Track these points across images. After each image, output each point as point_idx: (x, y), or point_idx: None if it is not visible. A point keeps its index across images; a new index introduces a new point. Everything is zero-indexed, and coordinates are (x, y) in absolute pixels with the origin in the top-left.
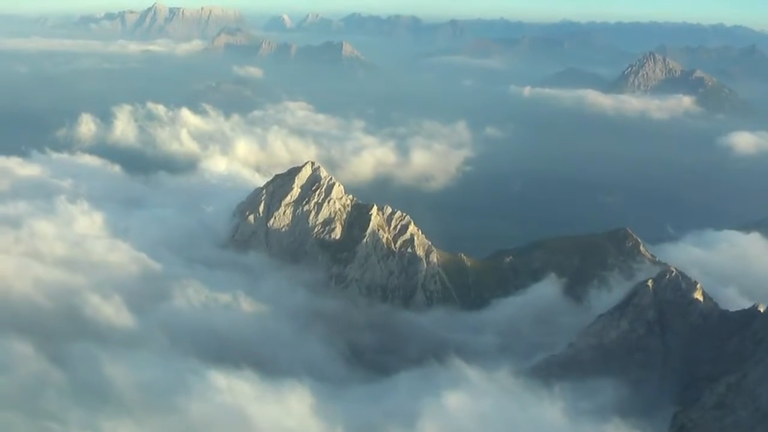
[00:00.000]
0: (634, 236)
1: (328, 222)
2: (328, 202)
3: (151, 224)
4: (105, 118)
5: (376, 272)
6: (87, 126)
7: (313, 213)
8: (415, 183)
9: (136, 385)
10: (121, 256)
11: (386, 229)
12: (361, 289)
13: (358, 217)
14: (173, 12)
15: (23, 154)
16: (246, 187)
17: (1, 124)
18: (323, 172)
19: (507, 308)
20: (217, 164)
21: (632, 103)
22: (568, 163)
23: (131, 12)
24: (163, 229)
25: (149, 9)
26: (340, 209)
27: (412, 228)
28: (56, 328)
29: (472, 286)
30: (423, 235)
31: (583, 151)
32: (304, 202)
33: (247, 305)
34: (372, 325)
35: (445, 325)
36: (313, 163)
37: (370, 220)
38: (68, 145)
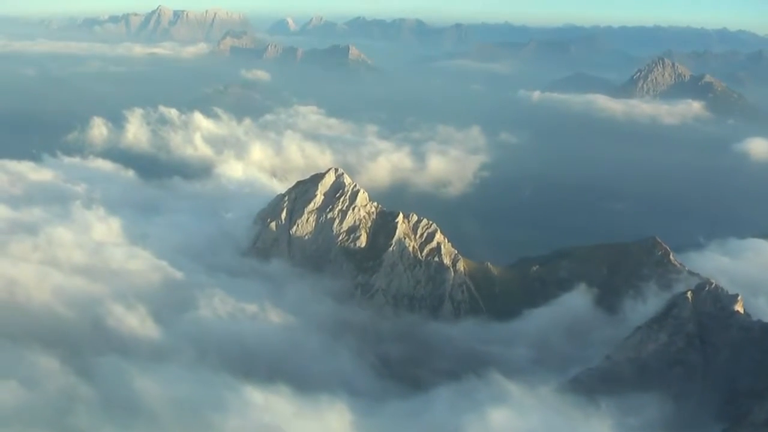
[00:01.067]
0: (664, 245)
1: (353, 230)
2: (353, 209)
3: (170, 231)
4: (116, 121)
5: (402, 281)
6: (99, 130)
7: (337, 220)
8: (433, 189)
9: (169, 401)
10: (142, 264)
11: (412, 237)
12: (387, 298)
13: (383, 224)
14: (177, 15)
15: (35, 158)
16: (264, 193)
17: (11, 128)
18: (347, 179)
19: (538, 319)
20: (233, 169)
21: (642, 108)
22: (582, 169)
23: (135, 15)
24: (181, 235)
25: (153, 12)
26: (364, 217)
27: (438, 236)
28: (80, 340)
29: (499, 296)
30: (449, 244)
31: (598, 157)
32: (328, 210)
33: (274, 315)
34: (401, 336)
35: (475, 336)
36: (336, 170)
37: (396, 228)
38: (80, 149)
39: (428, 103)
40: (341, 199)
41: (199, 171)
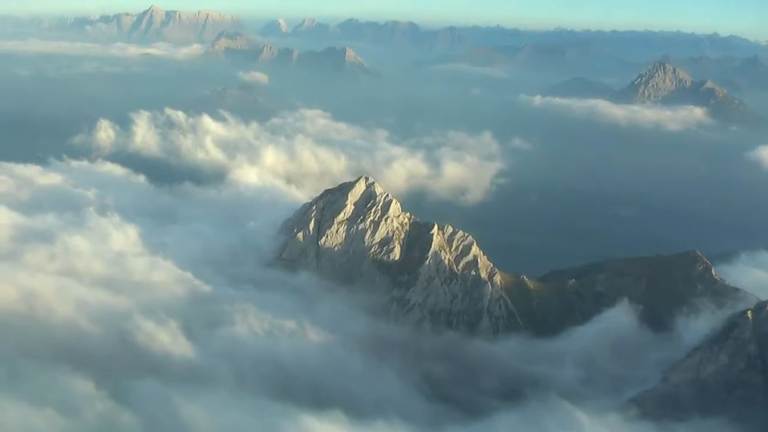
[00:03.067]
0: (705, 259)
1: (386, 242)
2: (386, 220)
3: (189, 240)
4: (122, 124)
5: (439, 296)
6: (106, 132)
7: (369, 232)
8: (451, 196)
9: (219, 430)
10: (165, 276)
11: (448, 249)
12: (424, 313)
13: (417, 236)
14: (170, 15)
15: (41, 161)
16: (285, 200)
17: (12, 130)
18: (378, 188)
19: (582, 337)
20: (248, 175)
21: (645, 113)
22: (596, 177)
23: (127, 15)
24: (201, 245)
25: (145, 12)
26: (397, 228)
27: (474, 249)
28: (111, 359)
29: (536, 311)
30: (485, 256)
31: (608, 164)
32: (359, 220)
33: (311, 332)
34: (442, 354)
35: (518, 354)
36: (366, 179)
37: (431, 240)
38: (87, 153)
39: (432, 108)
40: (373, 210)
41: (212, 176)
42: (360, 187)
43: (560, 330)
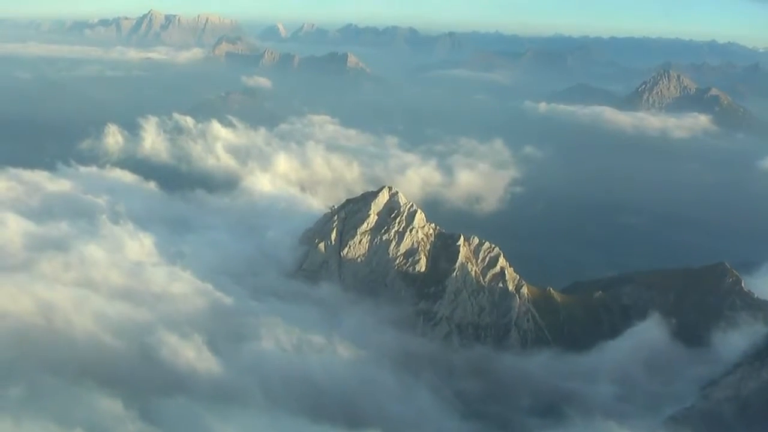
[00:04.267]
0: (734, 272)
1: (412, 253)
2: (410, 230)
3: (206, 249)
4: (130, 129)
5: (467, 309)
6: (114, 138)
7: (393, 243)
8: (466, 205)
9: None
10: (185, 287)
11: (474, 261)
12: (451, 327)
13: (443, 247)
14: (169, 19)
15: (49, 167)
16: (301, 209)
17: (17, 134)
18: (402, 198)
19: (616, 352)
20: (261, 182)
21: (650, 121)
22: (607, 185)
23: (126, 18)
24: (219, 255)
25: (145, 16)
26: (423, 239)
27: (501, 261)
28: (135, 376)
29: (563, 324)
30: (511, 268)
31: (621, 172)
32: (383, 231)
33: (341, 347)
34: (474, 369)
35: (551, 370)
36: (390, 188)
37: (458, 251)
38: (95, 158)
39: (439, 114)
40: (397, 220)
41: (224, 183)
42: (383, 197)
43: (589, 344)
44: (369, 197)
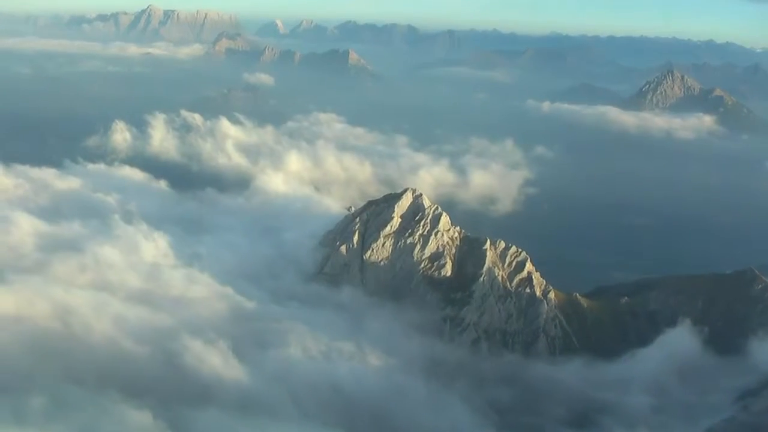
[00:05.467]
0: (764, 278)
1: (437, 257)
2: (435, 234)
3: (222, 251)
4: (137, 125)
5: (494, 315)
6: (122, 135)
7: (418, 246)
8: (480, 206)
9: None
10: (204, 290)
11: (500, 265)
12: (479, 333)
13: (469, 251)
14: (168, 15)
15: (56, 164)
16: (318, 210)
17: (20, 130)
18: (425, 200)
19: (648, 361)
20: (274, 182)
21: (655, 121)
22: (616, 186)
23: (125, 13)
24: (236, 257)
25: (143, 11)
26: (448, 242)
27: (528, 266)
28: (160, 384)
29: (590, 330)
30: (538, 273)
31: (627, 173)
32: (407, 234)
33: (369, 354)
34: (505, 377)
35: (583, 379)
36: (413, 190)
37: (485, 255)
38: (101, 156)
39: (445, 113)
40: (422, 223)
41: (235, 183)
42: (407, 199)
43: (618, 351)
44: (392, 199)
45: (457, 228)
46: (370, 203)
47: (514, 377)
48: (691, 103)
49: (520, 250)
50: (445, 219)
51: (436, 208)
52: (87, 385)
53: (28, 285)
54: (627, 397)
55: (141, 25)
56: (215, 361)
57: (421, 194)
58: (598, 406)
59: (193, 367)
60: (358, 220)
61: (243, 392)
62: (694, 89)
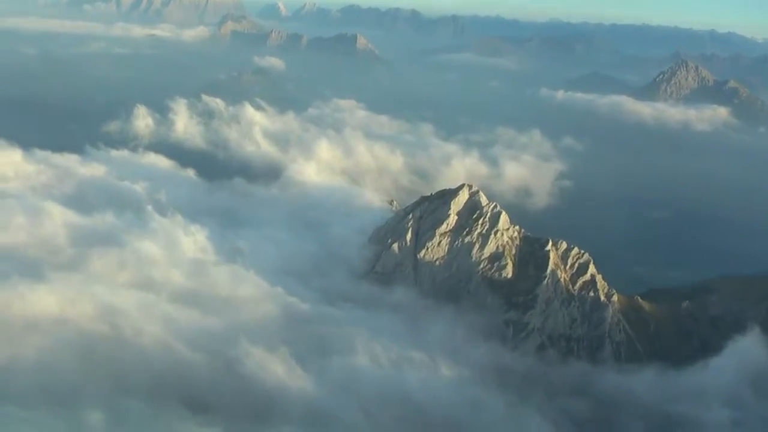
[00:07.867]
0: None
1: (497, 257)
2: (495, 233)
3: (265, 247)
4: (158, 110)
5: (558, 320)
6: (144, 120)
7: (477, 246)
8: (517, 200)
9: None
10: (254, 290)
11: (562, 268)
12: (543, 339)
13: (529, 252)
14: None
15: (77, 150)
16: (360, 203)
17: (33, 114)
18: (482, 198)
19: (723, 372)
20: (307, 172)
21: (671, 112)
22: (653, 181)
23: None
24: (281, 253)
25: None
26: (508, 242)
27: (592, 268)
28: (224, 396)
29: (654, 336)
30: (600, 275)
31: (663, 169)
32: (465, 233)
33: (440, 363)
34: (574, 387)
35: (656, 389)
36: (470, 186)
37: (548, 257)
38: (123, 142)
39: (463, 102)
40: (480, 221)
41: (265, 172)
42: (463, 196)
43: (684, 358)
44: (447, 195)
45: (517, 227)
46: (424, 199)
47: (585, 387)
48: (705, 94)
49: (582, 251)
50: (504, 217)
51: (495, 206)
52: (143, 395)
53: (68, 283)
54: (705, 410)
55: (143, 6)
56: (278, 370)
57: (477, 190)
58: (676, 419)
59: (257, 376)
60: (410, 216)
61: (310, 405)
62: (708, 80)
